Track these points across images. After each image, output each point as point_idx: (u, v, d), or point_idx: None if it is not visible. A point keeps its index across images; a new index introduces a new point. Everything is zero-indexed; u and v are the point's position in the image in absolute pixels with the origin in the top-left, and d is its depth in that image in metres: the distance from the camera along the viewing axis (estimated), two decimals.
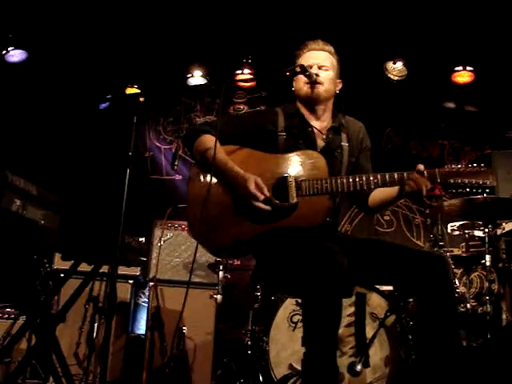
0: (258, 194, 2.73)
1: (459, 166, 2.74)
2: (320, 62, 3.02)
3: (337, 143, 3.04)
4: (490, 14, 5.66)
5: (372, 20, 5.91)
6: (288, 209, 2.77)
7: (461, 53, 6.35)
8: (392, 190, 2.87)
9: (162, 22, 6.10)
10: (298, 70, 2.95)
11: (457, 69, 6.47)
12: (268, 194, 2.75)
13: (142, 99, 3.24)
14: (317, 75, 2.97)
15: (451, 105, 6.81)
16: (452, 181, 2.71)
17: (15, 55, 6.27)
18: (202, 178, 2.91)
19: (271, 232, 2.77)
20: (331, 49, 3.11)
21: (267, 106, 6.78)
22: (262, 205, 2.73)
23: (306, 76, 2.95)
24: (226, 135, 2.94)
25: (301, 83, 3.03)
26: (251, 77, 6.61)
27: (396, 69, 6.53)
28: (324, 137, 3.02)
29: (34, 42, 6.23)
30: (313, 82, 2.96)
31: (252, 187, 2.72)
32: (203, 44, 6.39)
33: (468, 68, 6.44)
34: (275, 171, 2.83)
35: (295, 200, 2.76)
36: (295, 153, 2.91)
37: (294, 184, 2.78)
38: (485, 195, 4.24)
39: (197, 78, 6.70)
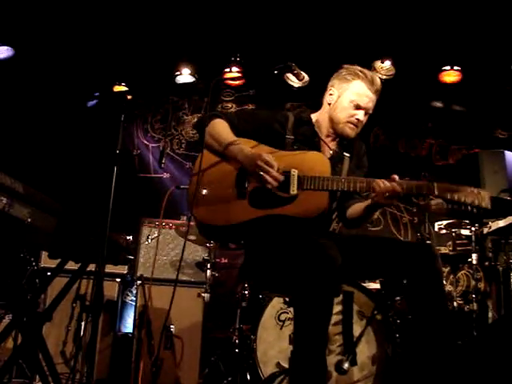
0: (273, 162, 2.76)
1: (457, 185, 2.75)
2: (370, 108, 3.04)
3: (340, 158, 3.09)
4: (478, 14, 5.69)
5: (360, 19, 5.92)
6: (287, 199, 2.81)
7: (448, 52, 6.38)
8: (365, 202, 2.94)
9: (150, 20, 6.08)
10: (287, 69, 2.96)
11: (444, 68, 6.51)
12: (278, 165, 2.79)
13: (129, 97, 3.24)
14: (358, 120, 3.01)
15: (439, 104, 6.84)
16: (449, 196, 2.72)
17: (1, 52, 6.23)
18: (210, 160, 2.93)
19: (265, 221, 2.80)
20: (380, 87, 3.07)
21: (255, 106, 6.81)
22: (275, 173, 2.75)
23: (294, 75, 2.96)
24: (237, 128, 2.99)
25: (345, 114, 3.02)
26: (239, 75, 6.61)
27: (384, 68, 6.55)
28: (331, 152, 3.07)
29: (21, 38, 6.19)
30: (356, 125, 3.01)
31: (267, 156, 2.76)
32: (191, 42, 6.37)
33: (455, 67, 6.47)
34: (281, 165, 2.84)
35: (295, 192, 2.80)
36: (303, 152, 2.95)
37: (296, 177, 2.82)
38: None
39: (185, 76, 6.69)
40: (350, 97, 3.00)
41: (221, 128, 2.93)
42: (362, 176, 3.15)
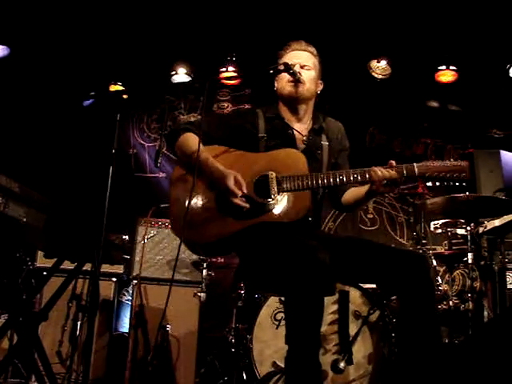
0: (236, 191, 2.75)
1: (436, 161, 2.79)
2: (302, 61, 3.04)
3: (317, 144, 3.06)
4: (474, 14, 5.70)
5: (356, 18, 5.93)
6: (269, 204, 2.78)
7: (444, 52, 6.39)
8: (364, 188, 2.91)
9: (146, 20, 6.08)
10: (282, 67, 2.96)
11: (440, 68, 6.51)
12: (246, 190, 2.77)
13: (125, 96, 3.23)
14: (299, 74, 2.98)
15: (434, 104, 6.85)
16: (428, 174, 2.75)
17: None
18: (184, 176, 2.91)
19: (253, 228, 2.78)
20: (313, 50, 3.12)
21: (251, 105, 6.80)
22: (239, 201, 2.75)
23: (289, 74, 2.96)
24: (209, 136, 2.97)
25: (283, 82, 3.03)
26: (235, 74, 6.61)
27: (380, 67, 6.55)
28: (304, 139, 3.05)
29: (17, 37, 6.18)
30: (296, 80, 2.97)
31: (231, 183, 2.75)
32: (187, 41, 6.37)
33: (451, 67, 6.48)
34: (257, 169, 2.84)
35: (276, 196, 2.78)
36: (276, 151, 2.93)
37: (274, 180, 2.80)
38: (467, 193, 4.27)
39: (181, 75, 6.68)
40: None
41: (190, 142, 2.89)
42: (345, 158, 3.17)
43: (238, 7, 5.90)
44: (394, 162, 2.78)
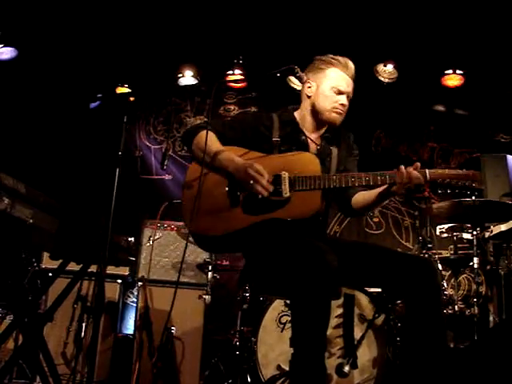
0: (259, 177, 2.77)
1: (448, 168, 2.78)
2: (350, 92, 3.04)
3: (327, 152, 3.07)
4: (480, 18, 5.70)
5: (363, 22, 5.93)
6: (280, 202, 2.81)
7: (451, 56, 6.39)
8: (377, 190, 2.91)
9: (153, 22, 6.09)
10: (289, 71, 2.96)
11: (447, 72, 6.51)
12: (267, 178, 2.80)
13: (132, 99, 3.24)
14: (343, 105, 3.00)
15: (441, 108, 6.84)
16: (440, 180, 2.74)
17: (5, 53, 6.24)
18: (199, 172, 2.93)
19: (261, 226, 2.80)
20: (354, 72, 3.07)
21: (257, 108, 6.81)
22: (265, 183, 2.77)
23: (296, 77, 2.97)
24: (225, 136, 3.01)
25: (327, 101, 3.01)
26: (242, 77, 6.62)
27: (386, 71, 6.55)
28: (319, 147, 3.06)
29: (25, 39, 6.21)
30: (341, 109, 2.98)
31: (252, 171, 2.78)
32: (194, 44, 6.38)
33: (458, 71, 6.47)
34: (270, 169, 2.85)
35: (288, 194, 2.81)
36: (290, 153, 2.96)
37: (287, 180, 2.82)
38: (473, 198, 4.26)
39: (188, 78, 6.70)
40: (329, 84, 3.00)
41: (208, 139, 2.90)
42: (354, 164, 3.17)
43: (245, 10, 5.90)
44: (419, 164, 2.76)
